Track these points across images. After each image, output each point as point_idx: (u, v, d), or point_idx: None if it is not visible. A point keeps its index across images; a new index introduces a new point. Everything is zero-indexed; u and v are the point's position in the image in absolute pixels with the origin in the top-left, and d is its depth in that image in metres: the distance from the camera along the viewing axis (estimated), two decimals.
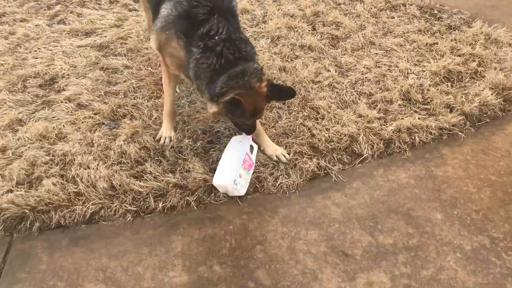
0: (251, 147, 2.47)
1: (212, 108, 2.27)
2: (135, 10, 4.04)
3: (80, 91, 2.98)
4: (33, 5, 4.10)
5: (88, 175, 2.33)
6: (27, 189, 2.29)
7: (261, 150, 2.56)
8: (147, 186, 2.32)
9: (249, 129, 2.39)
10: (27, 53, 3.42)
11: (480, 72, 3.19)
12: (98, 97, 2.94)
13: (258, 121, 2.50)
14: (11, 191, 2.27)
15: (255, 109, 2.23)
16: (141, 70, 3.22)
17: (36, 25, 3.77)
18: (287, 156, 2.52)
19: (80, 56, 3.35)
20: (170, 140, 2.59)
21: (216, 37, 2.18)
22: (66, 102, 2.89)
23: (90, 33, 3.68)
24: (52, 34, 3.66)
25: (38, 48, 3.47)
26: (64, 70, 3.20)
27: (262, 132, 2.58)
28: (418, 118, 2.78)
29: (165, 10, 2.33)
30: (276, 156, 2.52)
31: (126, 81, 3.10)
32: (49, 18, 3.92)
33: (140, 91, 3.00)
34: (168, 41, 2.35)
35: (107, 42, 3.54)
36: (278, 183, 2.40)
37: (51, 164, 2.43)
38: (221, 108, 2.21)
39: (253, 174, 2.42)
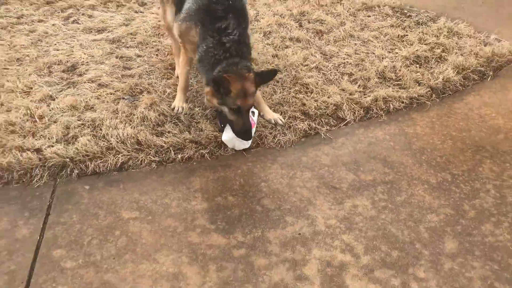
0: (253, 112, 2.93)
1: (207, 89, 2.72)
2: (141, 12, 4.52)
3: (100, 74, 3.42)
4: (48, 9, 4.55)
5: (117, 133, 2.77)
6: (65, 145, 2.71)
7: (261, 116, 3.02)
8: (167, 142, 2.76)
9: (244, 132, 2.66)
10: (48, 46, 3.85)
11: (444, 56, 3.73)
12: (116, 78, 3.38)
13: (258, 92, 2.96)
14: (52, 146, 2.69)
15: (243, 91, 2.60)
16: (152, 58, 3.69)
17: (53, 24, 4.22)
18: (282, 120, 3.00)
19: (96, 48, 3.80)
20: (183, 109, 3.04)
21: (231, 36, 2.65)
22: (88, 83, 3.33)
23: (102, 30, 4.14)
24: (68, 31, 4.11)
25: (58, 42, 3.91)
26: (83, 58, 3.64)
27: (262, 101, 3.05)
28: (392, 91, 3.29)
29: (188, 4, 2.80)
30: (274, 120, 2.99)
31: (140, 66, 3.56)
32: (63, 19, 4.37)
33: (153, 74, 3.46)
34: (188, 29, 2.82)
35: (119, 37, 4.00)
36: (276, 140, 2.87)
37: (83, 127, 2.85)
38: (213, 89, 2.65)
39: (255, 133, 2.88)
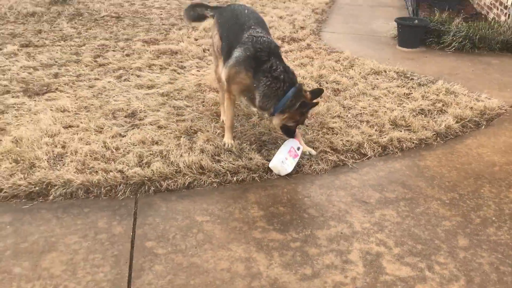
0: (299, 148, 3.55)
1: (277, 119, 3.41)
2: (182, 73, 5.28)
3: (158, 119, 4.08)
4: (101, 69, 5.31)
5: (184, 160, 3.37)
6: (142, 168, 3.30)
7: None
8: (224, 167, 3.36)
9: (292, 133, 3.51)
10: (108, 98, 4.54)
11: (444, 109, 4.45)
12: (172, 122, 4.04)
13: (298, 131, 3.63)
14: (131, 169, 3.28)
15: (302, 114, 3.41)
16: (199, 108, 4.37)
17: (108, 81, 4.94)
18: (314, 152, 3.63)
19: (150, 99, 4.50)
20: (232, 145, 3.67)
21: (278, 70, 3.37)
22: (149, 125, 3.98)
23: (151, 87, 4.86)
24: (122, 86, 4.82)
25: (115, 95, 4.60)
26: (141, 107, 4.31)
27: (300, 137, 3.70)
28: (404, 133, 3.95)
29: (237, 53, 3.52)
30: (308, 151, 3.62)
31: (190, 114, 4.23)
32: (116, 77, 5.10)
33: (203, 119, 4.12)
34: (237, 73, 3.52)
35: (167, 91, 4.71)
36: (312, 168, 3.48)
37: (153, 156, 3.46)
38: (289, 115, 3.35)
39: (297, 163, 3.49)
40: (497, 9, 7.61)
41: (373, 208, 3.04)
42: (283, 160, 3.36)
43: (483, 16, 8.00)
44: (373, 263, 2.57)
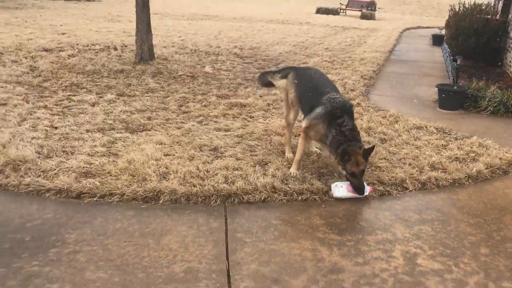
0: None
1: (335, 162, 4.29)
2: (252, 121, 6.30)
3: (236, 153, 5.05)
4: (185, 116, 6.42)
5: (261, 181, 4.29)
6: (228, 185, 4.23)
7: None
8: (291, 188, 4.25)
9: (361, 189, 4.21)
10: (193, 137, 5.58)
11: (476, 158, 5.21)
12: (247, 156, 4.99)
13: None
14: (220, 184, 4.22)
15: (356, 161, 4.20)
16: (268, 146, 5.33)
17: (192, 125, 6.02)
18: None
19: (228, 139, 5.51)
20: (297, 174, 4.56)
21: (347, 127, 4.28)
22: (229, 157, 4.95)
23: (227, 130, 5.88)
24: (204, 129, 5.88)
25: (199, 135, 5.65)
26: (221, 144, 5.32)
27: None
28: (440, 174, 4.74)
29: (318, 109, 4.41)
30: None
31: (261, 150, 5.18)
32: (198, 122, 6.18)
33: (271, 155, 5.07)
34: (316, 124, 4.44)
35: (241, 134, 5.71)
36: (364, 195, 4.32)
37: (235, 177, 4.39)
38: (339, 160, 4.22)
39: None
40: None
41: (413, 224, 3.82)
42: (338, 185, 4.21)
43: None
44: (411, 259, 3.33)
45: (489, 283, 3.12)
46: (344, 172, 4.21)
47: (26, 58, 9.70)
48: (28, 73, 8.49)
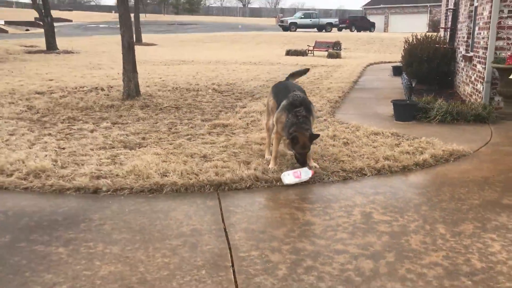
0: (306, 172, 5.30)
1: (287, 142, 5.27)
2: (234, 136, 7.25)
3: (223, 157, 5.97)
4: (175, 135, 7.34)
5: (245, 173, 5.20)
6: (219, 176, 5.13)
7: (308, 164, 5.45)
8: (271, 177, 5.17)
9: (303, 162, 5.28)
10: (185, 149, 6.47)
11: (423, 151, 6.24)
12: (233, 159, 5.91)
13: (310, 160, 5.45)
14: (213, 176, 5.12)
15: (303, 144, 5.19)
16: (250, 152, 6.27)
17: (182, 141, 6.93)
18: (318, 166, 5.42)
19: (214, 149, 6.42)
20: (275, 168, 5.49)
21: (302, 113, 5.27)
22: (218, 160, 5.86)
23: (213, 143, 6.80)
24: (193, 143, 6.79)
25: (189, 147, 6.55)
26: (209, 152, 6.23)
27: (310, 156, 5.50)
28: (393, 163, 5.74)
29: (283, 103, 5.44)
30: (314, 166, 5.41)
31: (244, 155, 6.11)
32: (187, 139, 7.09)
33: (252, 158, 6.00)
34: (281, 115, 5.44)
35: (225, 145, 6.64)
36: (330, 179, 5.26)
37: (225, 172, 5.30)
38: (289, 141, 5.20)
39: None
40: (475, 95, 9.66)
41: (369, 195, 4.77)
42: (286, 174, 5.14)
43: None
44: (366, 215, 4.27)
45: (426, 225, 4.06)
46: (293, 151, 5.17)
47: (21, 100, 10.54)
48: (26, 111, 9.32)
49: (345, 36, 43.47)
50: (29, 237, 3.81)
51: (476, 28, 10.19)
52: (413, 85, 11.00)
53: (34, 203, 4.58)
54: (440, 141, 6.73)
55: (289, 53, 29.82)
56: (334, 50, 28.82)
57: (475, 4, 10.76)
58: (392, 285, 3.12)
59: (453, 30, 13.81)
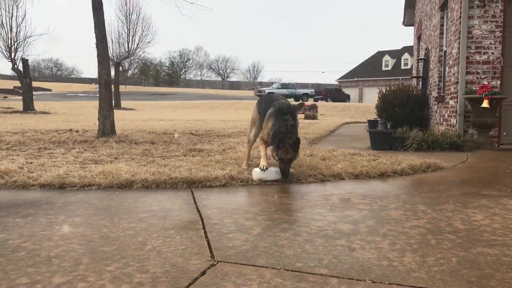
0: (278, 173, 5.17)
1: (272, 148, 5.17)
2: (210, 156, 7.11)
3: (197, 167, 5.81)
4: (149, 157, 7.17)
5: (227, 173, 5.04)
6: (194, 174, 4.95)
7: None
8: (247, 176, 5.02)
9: (287, 172, 5.13)
10: (158, 164, 6.31)
11: (401, 164, 6.20)
12: (208, 167, 5.76)
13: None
14: (187, 174, 4.93)
15: (286, 151, 5.09)
16: (226, 163, 6.13)
17: (156, 159, 6.76)
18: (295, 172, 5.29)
19: (189, 162, 6.26)
20: (266, 167, 5.30)
21: (289, 122, 5.23)
22: (192, 168, 5.69)
23: (190, 161, 6.66)
24: (167, 160, 6.63)
25: (163, 162, 6.39)
26: (183, 164, 6.06)
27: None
28: (370, 169, 5.65)
29: (270, 110, 5.42)
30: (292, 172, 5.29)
31: (220, 165, 5.97)
32: (161, 158, 6.93)
33: (229, 166, 5.85)
34: (268, 122, 5.37)
35: (200, 161, 6.50)
36: (308, 181, 5.12)
37: (200, 171, 5.13)
38: (274, 147, 5.11)
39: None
40: (450, 131, 9.81)
41: (347, 189, 4.64)
42: (256, 170, 5.02)
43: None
44: (345, 200, 4.12)
45: (406, 205, 3.93)
46: (276, 158, 5.04)
47: None
48: None
49: (321, 104, 44.57)
50: None
51: (447, 68, 10.57)
52: (389, 126, 11.16)
53: None
54: (418, 159, 6.71)
55: None
56: (310, 112, 29.44)
57: (444, 49, 11.23)
58: (373, 238, 2.94)
59: (425, 78, 14.31)
